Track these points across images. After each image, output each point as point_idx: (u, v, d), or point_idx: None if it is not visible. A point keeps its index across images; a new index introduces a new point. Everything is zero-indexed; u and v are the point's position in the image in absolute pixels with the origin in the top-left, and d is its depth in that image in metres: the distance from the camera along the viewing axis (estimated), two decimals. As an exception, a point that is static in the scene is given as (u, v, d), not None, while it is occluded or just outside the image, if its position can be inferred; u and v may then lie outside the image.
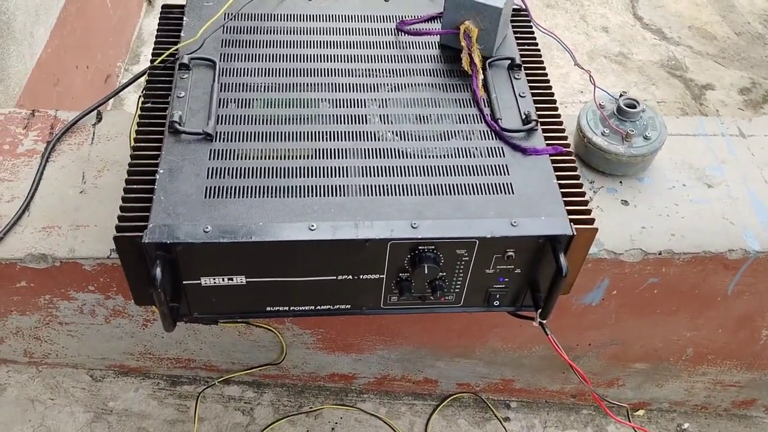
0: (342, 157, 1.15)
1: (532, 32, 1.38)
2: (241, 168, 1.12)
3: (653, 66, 3.13)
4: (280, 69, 1.28)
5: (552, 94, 1.28)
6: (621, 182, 1.43)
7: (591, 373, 1.73)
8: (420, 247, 1.08)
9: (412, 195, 1.11)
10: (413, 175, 1.14)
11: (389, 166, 1.14)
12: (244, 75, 1.26)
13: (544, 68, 1.32)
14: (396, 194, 1.11)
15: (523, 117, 1.22)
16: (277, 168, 1.12)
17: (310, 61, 1.30)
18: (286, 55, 1.30)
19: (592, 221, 1.11)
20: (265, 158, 1.14)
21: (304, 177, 1.12)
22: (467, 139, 1.20)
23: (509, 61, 1.30)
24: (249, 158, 1.13)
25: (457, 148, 1.18)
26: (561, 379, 1.76)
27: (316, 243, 1.04)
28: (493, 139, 1.20)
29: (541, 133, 1.21)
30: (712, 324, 1.56)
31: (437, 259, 1.09)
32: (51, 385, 1.73)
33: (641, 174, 1.45)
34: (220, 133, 1.16)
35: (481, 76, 1.26)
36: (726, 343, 1.62)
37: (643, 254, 1.35)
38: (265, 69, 1.27)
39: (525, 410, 1.84)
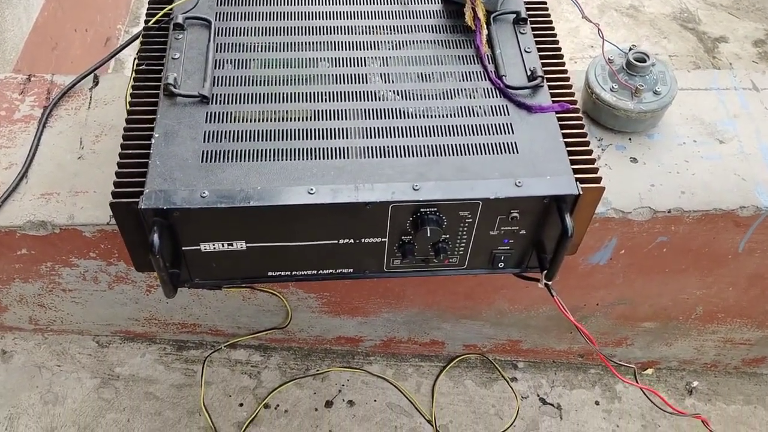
0: (342, 119, 1.12)
1: (538, -15, 1.33)
2: (238, 131, 1.09)
3: (665, 19, 3.05)
4: (277, 27, 1.24)
5: (559, 50, 1.23)
6: (630, 139, 1.40)
7: (599, 332, 1.71)
8: (422, 210, 1.05)
9: (413, 156, 1.08)
10: (415, 136, 1.11)
11: (390, 127, 1.11)
12: (240, 34, 1.23)
13: (551, 22, 1.28)
14: (397, 156, 1.08)
15: (529, 73, 1.18)
16: (274, 130, 1.10)
17: (309, 19, 1.26)
18: (284, 13, 1.26)
19: (599, 180, 1.07)
20: (262, 121, 1.11)
21: (302, 139, 1.09)
22: (470, 98, 1.16)
23: (514, 15, 1.26)
24: (246, 121, 1.11)
25: (460, 107, 1.14)
26: (568, 339, 1.75)
27: (315, 207, 1.02)
28: (497, 96, 1.16)
29: (547, 90, 1.17)
30: (723, 282, 1.54)
31: (440, 222, 1.07)
32: (57, 352, 1.73)
33: (651, 130, 1.41)
34: (217, 95, 1.13)
35: (485, 32, 1.22)
36: (736, 301, 1.60)
37: (652, 213, 1.32)
38: (262, 28, 1.24)
39: (532, 370, 1.84)
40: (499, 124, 1.13)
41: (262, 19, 1.25)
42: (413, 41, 1.23)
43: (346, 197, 1.02)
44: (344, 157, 1.07)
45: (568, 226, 1.05)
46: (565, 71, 1.21)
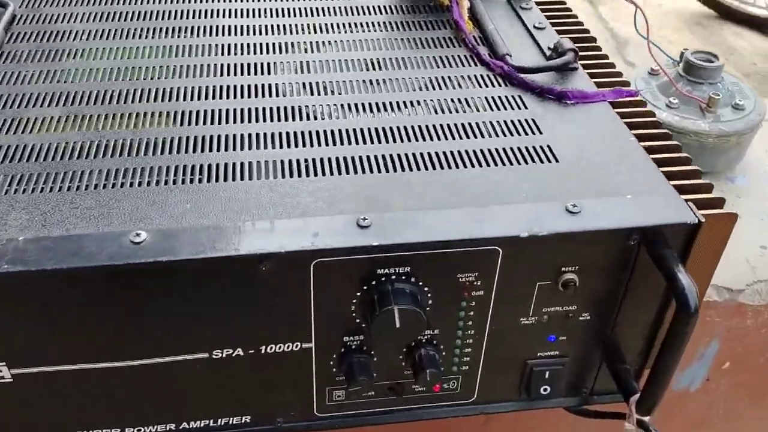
0: (220, 120, 0.60)
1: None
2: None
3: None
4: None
5: (587, 31, 0.76)
6: (705, 185, 0.89)
7: None
8: (380, 270, 0.50)
9: (355, 173, 0.55)
10: (349, 143, 0.58)
11: (306, 131, 0.59)
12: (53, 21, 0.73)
13: (564, 2, 0.82)
14: (323, 173, 0.55)
15: (548, 52, 0.69)
16: (79, 144, 0.57)
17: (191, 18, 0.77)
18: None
19: (721, 202, 0.55)
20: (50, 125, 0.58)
21: (123, 155, 0.56)
22: (451, 87, 0.66)
23: (508, -11, 0.79)
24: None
25: (434, 101, 0.64)
26: None
27: (146, 270, 0.47)
28: (499, 85, 0.66)
29: (584, 73, 0.68)
30: None
31: (418, 298, 0.51)
32: None
33: (733, 170, 0.91)
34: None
35: (465, 2, 0.74)
36: None
37: (774, 292, 0.78)
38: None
39: None
40: (511, 121, 0.61)
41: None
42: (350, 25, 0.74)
43: (217, 247, 0.47)
44: (218, 180, 0.54)
45: (687, 290, 0.51)
46: (602, 54, 0.72)
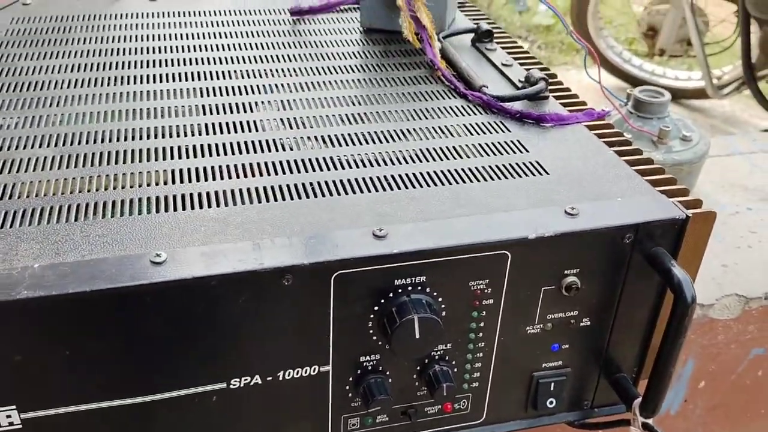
0: (213, 154, 0.60)
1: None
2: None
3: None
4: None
5: (540, 63, 0.81)
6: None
7: None
8: (397, 281, 0.51)
9: (364, 192, 0.57)
10: (355, 166, 0.60)
11: (308, 160, 0.61)
12: (27, 73, 0.73)
13: (515, 42, 0.87)
14: (330, 193, 0.56)
15: (519, 82, 0.73)
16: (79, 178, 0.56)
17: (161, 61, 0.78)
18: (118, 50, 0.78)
19: (698, 203, 0.59)
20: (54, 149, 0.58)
21: (135, 186, 0.56)
22: (436, 117, 0.69)
23: (472, 34, 0.84)
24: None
25: (424, 129, 0.66)
26: None
27: (171, 290, 0.46)
28: (481, 113, 0.70)
29: (555, 101, 0.72)
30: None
31: (434, 308, 0.52)
32: None
33: (686, 199, 0.97)
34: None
35: (437, 44, 0.78)
36: None
37: (742, 303, 0.82)
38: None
39: None
40: (498, 143, 0.65)
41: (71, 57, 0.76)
42: (325, 83, 0.77)
43: (237, 263, 0.47)
44: (230, 204, 0.54)
45: (682, 281, 0.53)
46: (565, 87, 0.77)
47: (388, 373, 0.56)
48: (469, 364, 0.58)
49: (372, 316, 0.52)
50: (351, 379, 0.55)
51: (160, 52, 0.79)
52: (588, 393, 0.64)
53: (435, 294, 0.53)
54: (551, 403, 0.62)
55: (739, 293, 0.83)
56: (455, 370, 0.57)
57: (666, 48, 3.05)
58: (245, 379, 0.52)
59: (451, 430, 0.61)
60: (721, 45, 2.95)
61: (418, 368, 0.56)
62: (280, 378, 0.53)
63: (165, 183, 0.56)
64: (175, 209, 0.53)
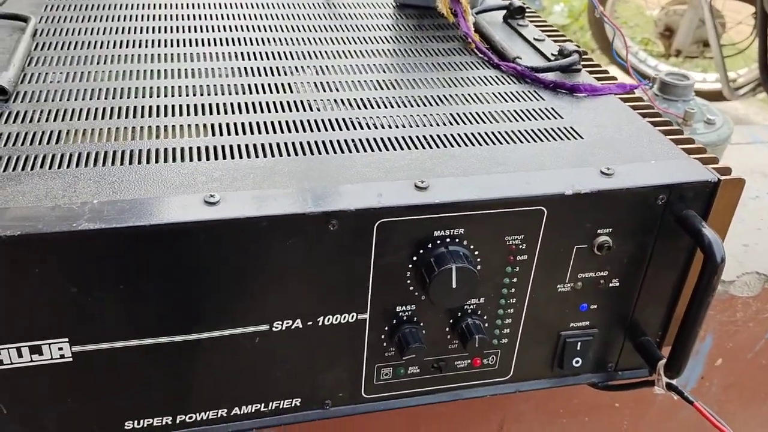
0: (256, 109, 0.62)
1: None
2: (47, 133, 0.57)
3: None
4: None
5: (578, 45, 0.83)
6: (682, 197, 0.95)
7: None
8: (437, 233, 0.53)
9: (408, 149, 0.58)
10: (399, 126, 0.62)
11: (356, 119, 0.63)
12: (76, 34, 0.75)
13: (545, 21, 0.89)
14: (377, 149, 0.58)
15: (552, 56, 0.75)
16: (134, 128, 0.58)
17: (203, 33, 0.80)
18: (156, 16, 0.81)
19: (728, 170, 0.60)
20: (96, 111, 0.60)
21: (186, 135, 0.58)
22: (472, 84, 0.70)
23: (504, 11, 0.86)
24: (73, 118, 0.59)
25: (462, 95, 0.68)
26: None
27: (224, 229, 0.48)
28: (515, 82, 0.71)
29: (587, 73, 0.74)
30: None
31: (471, 260, 0.54)
32: None
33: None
34: (26, 93, 0.62)
35: (471, 18, 0.80)
36: None
37: (762, 281, 0.84)
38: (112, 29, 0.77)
39: None
40: (533, 110, 0.66)
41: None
42: (363, 51, 0.79)
43: (287, 206, 0.49)
44: (276, 155, 0.56)
45: (713, 241, 0.55)
46: (596, 63, 0.79)
47: (422, 324, 0.57)
48: (500, 319, 0.60)
49: (410, 266, 0.54)
50: (387, 328, 0.57)
51: (203, 19, 0.81)
52: (613, 355, 0.66)
53: (472, 247, 0.55)
54: (577, 362, 0.63)
55: (760, 271, 0.84)
56: (486, 325, 0.59)
57: (682, 49, 3.06)
58: (287, 323, 0.54)
59: (479, 385, 0.63)
60: (736, 47, 2.96)
61: (451, 321, 0.58)
62: (320, 324, 0.55)
63: (213, 134, 0.58)
64: (224, 158, 0.55)
